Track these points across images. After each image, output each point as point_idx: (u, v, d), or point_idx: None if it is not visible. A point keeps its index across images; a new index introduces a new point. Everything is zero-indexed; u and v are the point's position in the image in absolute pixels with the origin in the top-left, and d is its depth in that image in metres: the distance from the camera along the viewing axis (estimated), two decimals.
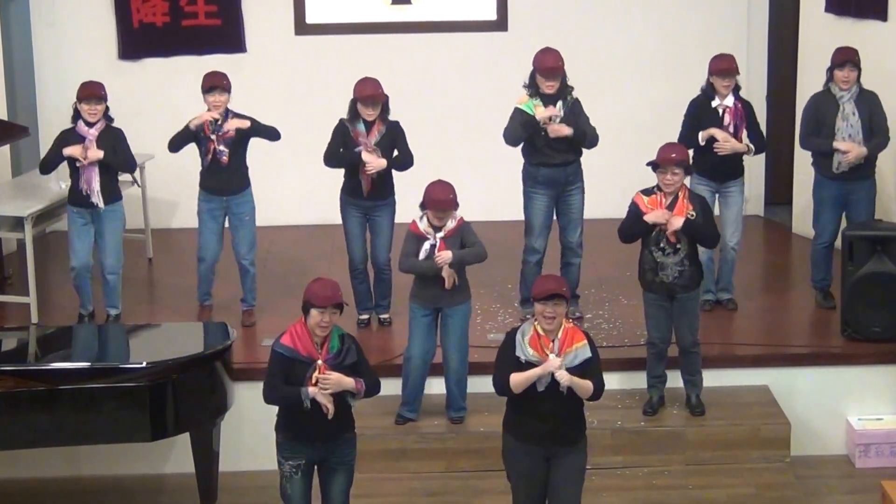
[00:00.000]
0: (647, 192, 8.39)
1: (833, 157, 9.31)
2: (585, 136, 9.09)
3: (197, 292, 9.58)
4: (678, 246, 8.35)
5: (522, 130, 9.05)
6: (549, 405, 7.01)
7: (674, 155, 8.29)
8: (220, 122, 9.17)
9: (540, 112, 8.95)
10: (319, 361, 7.08)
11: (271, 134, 9.33)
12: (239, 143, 9.23)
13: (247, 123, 9.18)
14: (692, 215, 8.30)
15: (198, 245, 9.46)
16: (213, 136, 9.16)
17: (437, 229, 8.28)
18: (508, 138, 9.17)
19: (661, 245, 8.36)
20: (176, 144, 9.28)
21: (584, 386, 6.99)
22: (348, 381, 7.10)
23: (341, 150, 9.09)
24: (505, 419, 7.24)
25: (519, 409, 7.12)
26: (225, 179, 9.25)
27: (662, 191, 8.33)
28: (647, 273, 8.47)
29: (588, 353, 7.03)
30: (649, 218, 8.27)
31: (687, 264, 8.39)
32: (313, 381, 7.06)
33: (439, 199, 8.20)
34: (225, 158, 9.18)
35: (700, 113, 9.33)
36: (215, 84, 9.16)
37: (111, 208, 9.30)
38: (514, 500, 7.26)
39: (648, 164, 8.36)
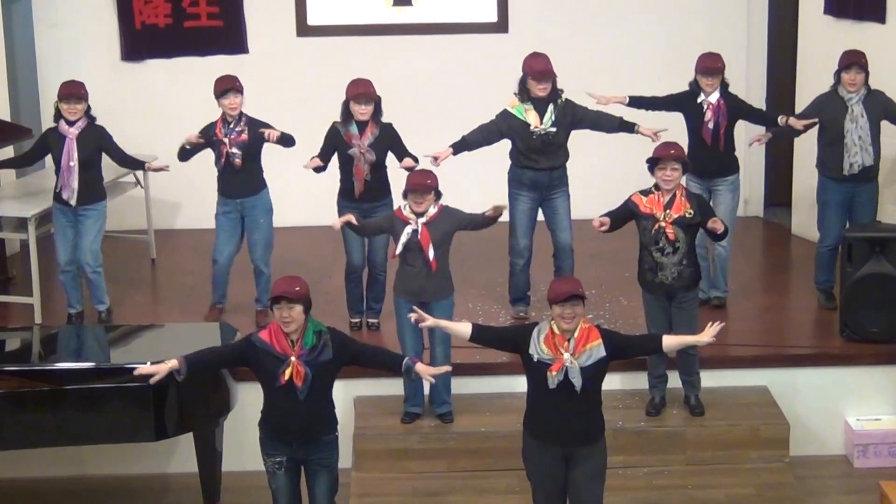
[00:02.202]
0: (645, 192, 8.41)
1: (843, 159, 9.35)
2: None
3: (212, 295, 9.60)
4: (677, 245, 8.37)
5: (493, 138, 9.21)
6: (565, 403, 7.03)
7: (672, 151, 8.33)
8: (232, 125, 9.22)
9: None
10: (292, 358, 7.09)
11: (288, 140, 9.35)
12: (253, 145, 9.26)
13: (276, 133, 9.20)
14: (690, 213, 8.34)
15: (214, 248, 9.49)
16: (226, 140, 9.20)
17: (419, 215, 8.34)
18: (477, 137, 9.24)
19: (660, 245, 8.38)
20: (183, 157, 9.37)
21: None
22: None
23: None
24: (524, 418, 7.28)
25: (536, 407, 7.17)
26: (239, 182, 9.28)
27: (660, 189, 8.35)
28: (647, 273, 8.50)
29: (603, 353, 7.05)
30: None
31: (686, 264, 8.41)
32: (286, 376, 7.09)
33: (416, 181, 8.29)
34: (238, 161, 9.21)
35: (682, 103, 9.41)
36: (229, 86, 9.17)
37: (92, 207, 9.33)
38: (535, 500, 7.28)
39: (648, 161, 8.39)
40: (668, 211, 8.32)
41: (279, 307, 7.08)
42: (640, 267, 8.54)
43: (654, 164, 8.35)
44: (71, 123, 9.20)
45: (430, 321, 7.56)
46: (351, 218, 8.54)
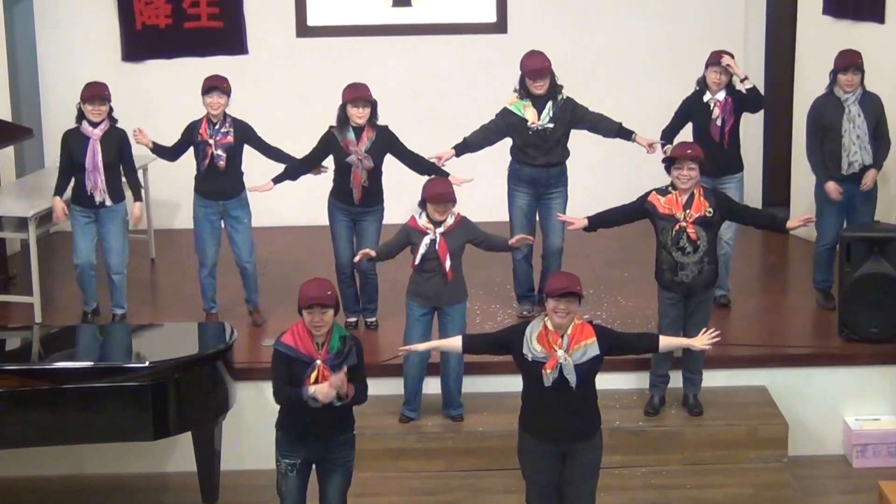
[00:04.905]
0: (662, 191, 8.37)
1: (842, 159, 9.35)
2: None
3: (202, 301, 9.57)
4: (699, 244, 8.32)
5: (494, 137, 9.27)
6: (560, 401, 7.04)
7: (689, 151, 8.32)
8: (217, 126, 9.22)
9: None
10: (318, 362, 7.09)
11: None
12: (236, 148, 9.27)
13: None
14: (710, 212, 8.32)
15: (196, 250, 9.47)
16: (211, 141, 9.22)
17: (437, 225, 8.34)
18: (478, 137, 9.29)
19: (681, 245, 8.33)
20: (171, 155, 9.41)
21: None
22: (343, 385, 7.03)
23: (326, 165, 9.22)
24: (520, 416, 7.29)
25: (532, 406, 7.17)
26: (221, 184, 9.27)
27: (677, 189, 8.32)
28: (666, 273, 8.43)
29: (597, 351, 7.05)
30: None
31: (706, 261, 8.36)
32: (312, 380, 7.06)
33: (440, 191, 8.25)
34: (222, 163, 9.21)
35: (691, 108, 9.45)
36: (215, 85, 9.19)
37: (115, 208, 9.35)
38: (528, 498, 7.29)
39: (664, 161, 8.35)
40: (688, 211, 8.29)
41: (312, 312, 7.06)
42: (659, 267, 8.48)
43: (670, 163, 8.31)
44: (94, 125, 9.21)
45: (421, 346, 7.68)
46: (370, 253, 8.51)
